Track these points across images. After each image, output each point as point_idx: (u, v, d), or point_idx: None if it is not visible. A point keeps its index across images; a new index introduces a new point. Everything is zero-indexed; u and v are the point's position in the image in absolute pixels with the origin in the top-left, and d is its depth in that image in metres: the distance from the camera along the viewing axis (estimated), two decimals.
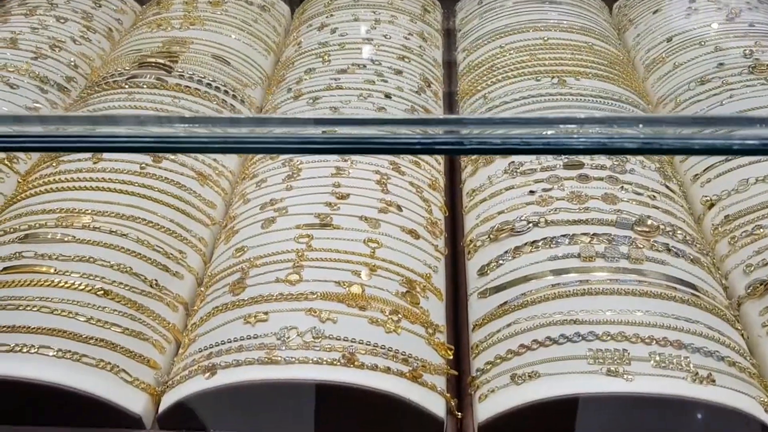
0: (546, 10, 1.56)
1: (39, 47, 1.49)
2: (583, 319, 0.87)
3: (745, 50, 1.36)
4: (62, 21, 1.60)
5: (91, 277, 0.95)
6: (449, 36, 1.73)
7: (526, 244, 0.99)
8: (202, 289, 1.01)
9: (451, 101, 1.46)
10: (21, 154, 1.27)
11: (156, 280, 0.99)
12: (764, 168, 1.15)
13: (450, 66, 1.59)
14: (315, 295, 0.90)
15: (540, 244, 0.98)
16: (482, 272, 1.00)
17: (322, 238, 0.99)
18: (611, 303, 0.89)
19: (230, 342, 0.87)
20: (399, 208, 1.08)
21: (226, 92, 1.39)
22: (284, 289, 0.91)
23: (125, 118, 0.62)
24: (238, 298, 0.93)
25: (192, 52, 1.46)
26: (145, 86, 1.34)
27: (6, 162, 1.23)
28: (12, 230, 1.03)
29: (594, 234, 0.98)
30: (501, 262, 0.99)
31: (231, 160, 1.32)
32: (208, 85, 1.39)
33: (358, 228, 1.01)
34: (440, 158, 1.31)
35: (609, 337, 0.84)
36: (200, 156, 1.26)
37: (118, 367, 0.87)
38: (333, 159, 1.17)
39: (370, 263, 0.96)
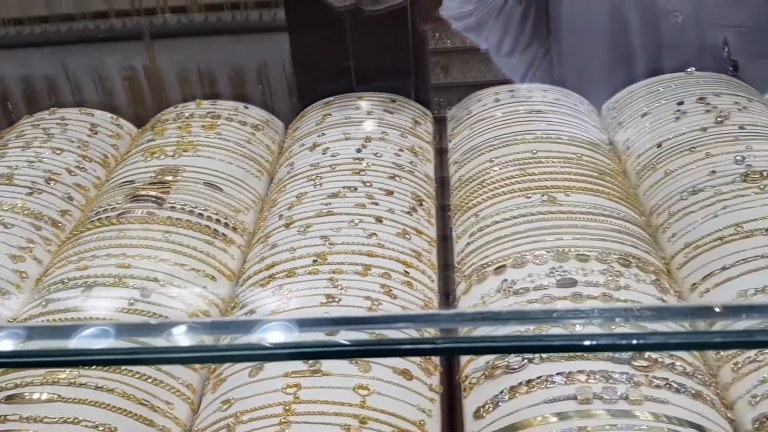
0: (533, 119, 1.57)
1: (34, 182, 1.51)
2: None
3: (736, 156, 1.35)
4: (58, 152, 1.63)
5: None
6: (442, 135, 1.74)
7: (521, 383, 0.96)
8: None
9: (444, 217, 1.45)
10: None
11: None
12: (764, 278, 1.13)
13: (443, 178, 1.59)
14: None
15: (535, 383, 0.95)
16: (478, 414, 0.97)
17: (310, 387, 0.97)
18: None
19: None
20: None
21: (217, 221, 1.40)
22: None
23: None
24: None
25: (184, 180, 1.47)
26: (136, 221, 1.35)
27: None
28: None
29: (590, 371, 0.95)
30: (497, 403, 0.96)
31: (223, 289, 1.32)
32: (200, 215, 1.39)
33: (348, 373, 0.99)
34: (433, 275, 1.30)
35: None
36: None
37: None
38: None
39: (360, 414, 0.93)
